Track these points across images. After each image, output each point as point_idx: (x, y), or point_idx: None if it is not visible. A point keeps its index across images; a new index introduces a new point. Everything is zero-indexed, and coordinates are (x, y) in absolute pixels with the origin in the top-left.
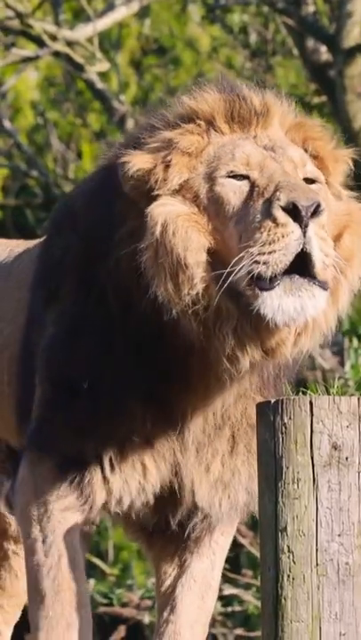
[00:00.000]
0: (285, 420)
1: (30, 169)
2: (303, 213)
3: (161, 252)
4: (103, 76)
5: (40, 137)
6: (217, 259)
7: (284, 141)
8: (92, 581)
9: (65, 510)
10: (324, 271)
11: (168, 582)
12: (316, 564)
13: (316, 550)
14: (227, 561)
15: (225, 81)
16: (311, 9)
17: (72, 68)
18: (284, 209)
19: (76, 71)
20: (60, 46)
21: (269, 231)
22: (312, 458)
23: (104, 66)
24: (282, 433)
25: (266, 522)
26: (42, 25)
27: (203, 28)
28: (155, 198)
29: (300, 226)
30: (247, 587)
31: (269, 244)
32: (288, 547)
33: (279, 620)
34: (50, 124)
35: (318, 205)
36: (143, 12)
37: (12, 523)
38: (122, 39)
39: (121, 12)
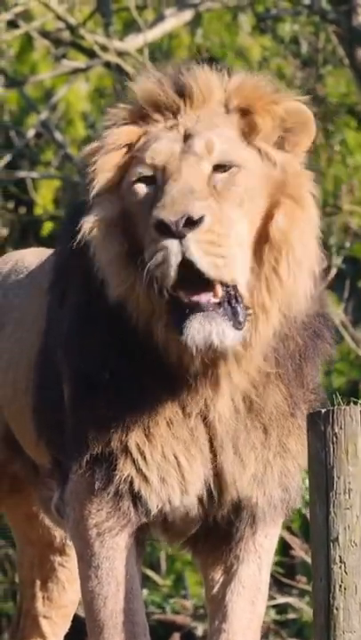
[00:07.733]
0: (336, 430)
1: (82, 180)
2: (173, 229)
3: (92, 254)
4: None
5: None
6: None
7: (203, 124)
8: (145, 591)
9: (112, 530)
10: (217, 271)
11: (217, 589)
12: None
13: None
14: (281, 566)
15: (172, 65)
16: None
17: (123, 78)
18: (156, 227)
19: (127, 82)
20: (110, 57)
21: (149, 247)
22: None
23: None
24: (333, 443)
25: (317, 532)
26: (92, 36)
27: (253, 37)
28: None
29: (176, 238)
30: (302, 594)
31: (150, 258)
32: (340, 557)
33: (331, 630)
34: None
35: (189, 217)
36: (194, 23)
37: (58, 535)
38: (172, 49)
39: (171, 23)
